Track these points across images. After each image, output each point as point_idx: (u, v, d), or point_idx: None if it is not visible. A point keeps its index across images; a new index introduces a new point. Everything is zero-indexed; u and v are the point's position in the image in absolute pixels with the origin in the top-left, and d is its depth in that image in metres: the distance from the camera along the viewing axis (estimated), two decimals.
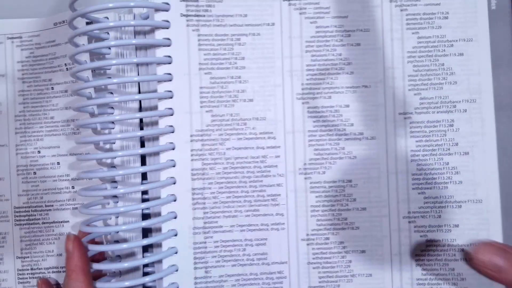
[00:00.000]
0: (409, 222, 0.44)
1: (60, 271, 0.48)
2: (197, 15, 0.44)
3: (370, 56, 0.44)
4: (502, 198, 0.43)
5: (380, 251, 0.44)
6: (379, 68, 0.44)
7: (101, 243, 0.46)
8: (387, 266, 0.44)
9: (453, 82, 0.44)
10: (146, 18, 0.45)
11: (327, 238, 0.44)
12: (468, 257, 0.42)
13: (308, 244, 0.44)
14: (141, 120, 0.46)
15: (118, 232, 0.46)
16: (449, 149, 0.44)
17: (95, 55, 0.46)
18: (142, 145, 0.46)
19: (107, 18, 0.46)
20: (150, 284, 0.44)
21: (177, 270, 0.43)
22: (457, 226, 0.44)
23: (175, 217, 0.43)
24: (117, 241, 0.46)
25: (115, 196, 0.47)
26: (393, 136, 0.44)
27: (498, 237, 0.43)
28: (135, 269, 0.45)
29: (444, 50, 0.44)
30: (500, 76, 0.44)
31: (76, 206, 0.48)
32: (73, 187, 0.48)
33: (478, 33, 0.44)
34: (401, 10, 0.44)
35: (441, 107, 0.44)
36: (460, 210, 0.44)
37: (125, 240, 0.46)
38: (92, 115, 0.46)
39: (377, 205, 0.44)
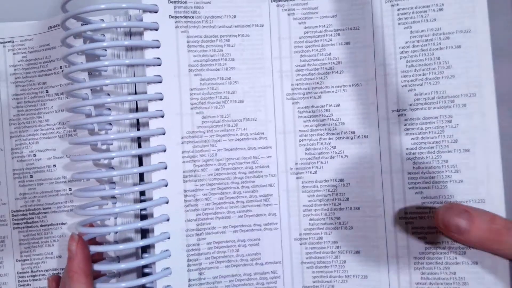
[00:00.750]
0: (406, 223, 0.43)
1: (60, 273, 0.48)
2: (186, 17, 0.43)
3: (361, 54, 0.44)
4: (507, 197, 0.41)
5: (375, 252, 0.43)
6: (370, 66, 0.44)
7: (101, 243, 0.46)
8: (383, 268, 0.43)
9: (451, 76, 0.42)
10: (141, 20, 0.45)
11: (320, 238, 0.44)
12: (434, 218, 0.41)
13: (301, 244, 0.44)
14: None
15: (116, 232, 0.46)
16: (447, 146, 0.42)
17: (91, 57, 0.47)
18: (140, 146, 0.46)
19: (103, 20, 0.46)
20: (149, 285, 0.44)
21: (171, 273, 0.43)
22: None
23: (168, 220, 0.43)
24: (116, 242, 0.46)
25: (114, 197, 0.47)
26: (386, 134, 0.43)
27: None
28: (134, 269, 0.46)
29: (440, 43, 0.42)
30: (502, 67, 0.42)
31: (73, 207, 0.48)
32: (70, 189, 0.48)
33: (476, 23, 0.41)
34: (392, 6, 0.43)
35: (438, 103, 0.42)
36: None
37: (123, 241, 0.46)
38: (89, 116, 0.46)
39: (371, 205, 0.44)
